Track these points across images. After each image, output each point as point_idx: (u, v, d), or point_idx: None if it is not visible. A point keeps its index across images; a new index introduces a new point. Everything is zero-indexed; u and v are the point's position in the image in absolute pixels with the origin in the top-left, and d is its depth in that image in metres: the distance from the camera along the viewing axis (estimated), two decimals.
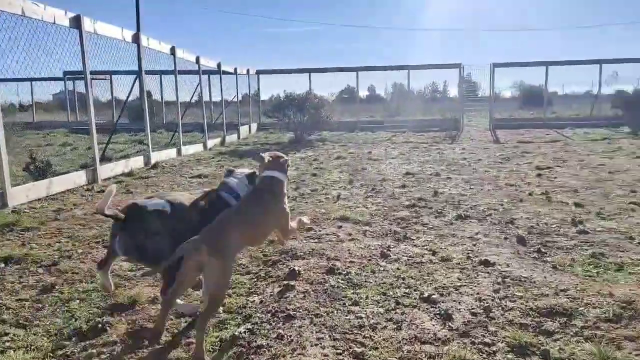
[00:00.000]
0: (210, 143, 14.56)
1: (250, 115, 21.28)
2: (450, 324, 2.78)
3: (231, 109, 19.50)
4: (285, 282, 3.47)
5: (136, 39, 10.42)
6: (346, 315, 2.93)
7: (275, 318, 2.95)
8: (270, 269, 3.83)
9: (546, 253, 4.02)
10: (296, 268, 3.70)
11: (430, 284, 3.41)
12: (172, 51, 12.56)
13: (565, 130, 17.63)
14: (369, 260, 3.95)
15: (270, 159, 3.13)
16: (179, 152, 12.22)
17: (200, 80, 15.17)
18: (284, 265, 3.85)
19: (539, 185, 7.07)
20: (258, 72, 22.78)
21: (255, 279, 3.64)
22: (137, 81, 11.11)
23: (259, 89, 23.61)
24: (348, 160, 10.60)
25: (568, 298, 3.01)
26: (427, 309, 3.00)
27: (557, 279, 3.40)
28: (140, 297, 3.28)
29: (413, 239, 4.55)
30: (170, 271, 2.66)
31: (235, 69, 19.08)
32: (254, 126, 21.30)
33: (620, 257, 3.86)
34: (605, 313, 2.77)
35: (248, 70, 21.24)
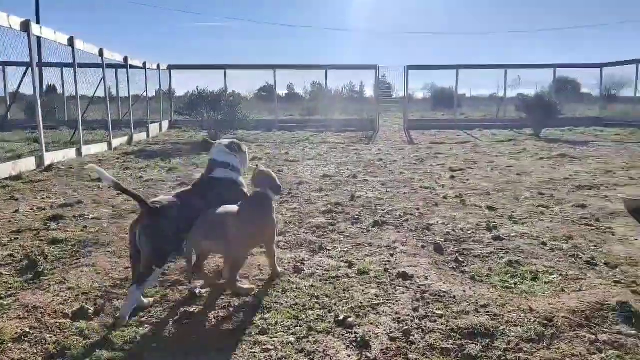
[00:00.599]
0: (116, 142, 13.52)
1: (161, 112, 20.20)
2: (367, 353, 2.50)
3: (141, 106, 18.40)
4: (184, 308, 3.03)
5: (26, 27, 9.32)
6: (251, 349, 2.56)
7: (168, 356, 2.51)
8: (168, 291, 3.37)
9: (464, 262, 3.89)
10: (197, 290, 3.27)
11: (347, 302, 3.12)
12: (71, 42, 11.47)
13: (474, 132, 18.39)
14: (281, 276, 3.60)
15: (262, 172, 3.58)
16: (79, 152, 11.15)
17: (104, 74, 14.04)
18: (184, 287, 3.40)
19: (453, 188, 7.11)
20: (170, 67, 21.67)
21: (149, 305, 3.16)
22: (29, 73, 10.00)
23: (170, 84, 22.50)
24: (264, 161, 10.20)
25: (489, 316, 2.84)
26: (342, 334, 2.70)
27: (476, 292, 3.24)
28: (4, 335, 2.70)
29: (329, 250, 4.27)
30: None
31: (144, 63, 17.98)
32: (166, 124, 20.23)
33: (535, 264, 3.81)
34: (527, 332, 2.62)
35: (159, 65, 20.13)
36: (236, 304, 3.11)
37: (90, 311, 2.96)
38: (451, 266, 3.82)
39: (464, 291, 3.26)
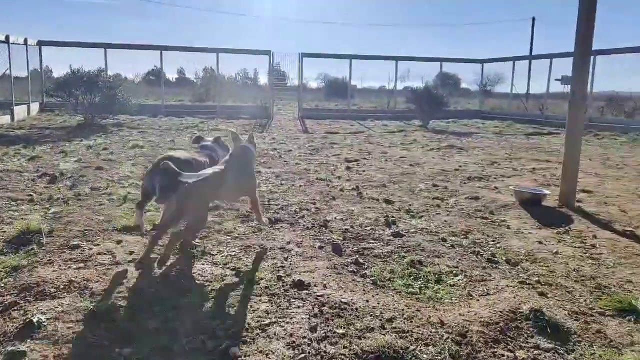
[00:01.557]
0: None
1: (29, 93, 17.88)
2: None
3: (6, 86, 16.09)
4: (12, 347, 2.30)
5: None
6: None
7: None
8: None
9: (364, 264, 3.53)
10: (37, 318, 2.53)
11: (231, 324, 2.59)
12: None
13: (366, 122, 18.57)
14: (153, 294, 2.97)
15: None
16: None
17: None
18: (20, 312, 2.64)
19: (349, 180, 6.82)
20: (40, 43, 19.21)
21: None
22: None
23: (41, 62, 19.98)
24: (146, 149, 9.22)
25: (397, 333, 2.46)
26: None
27: (380, 301, 2.87)
28: None
29: (213, 254, 3.69)
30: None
31: (7, 37, 15.68)
32: (35, 106, 17.93)
33: (437, 264, 3.56)
34: (440, 353, 2.28)
35: (26, 40, 17.73)
36: (93, 335, 2.43)
37: None
38: (351, 269, 3.44)
39: (367, 301, 2.88)
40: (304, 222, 4.61)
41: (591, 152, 10.72)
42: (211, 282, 3.16)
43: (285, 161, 8.39)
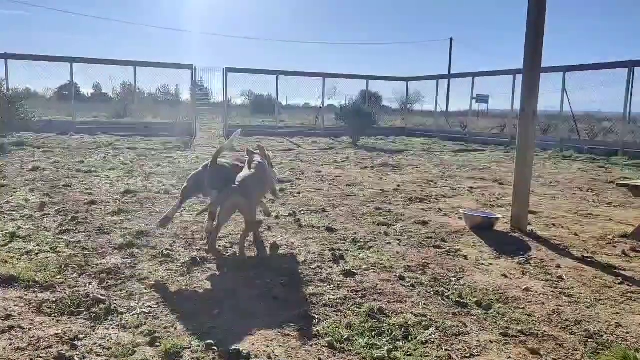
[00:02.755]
0: None
1: None
2: None
3: None
4: None
5: None
6: None
7: None
8: None
9: (315, 318, 2.88)
10: None
11: None
12: None
13: (295, 139, 18.05)
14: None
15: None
16: None
17: None
18: None
19: (284, 204, 6.16)
20: None
21: None
22: None
23: None
24: (48, 172, 8.03)
25: None
26: None
27: None
28: None
29: (122, 313, 2.88)
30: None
31: None
32: None
33: (401, 312, 2.98)
34: None
35: None
36: None
37: None
38: (300, 326, 2.77)
39: None
40: (238, 260, 3.89)
41: None
42: (117, 357, 2.37)
43: None
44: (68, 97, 19.92)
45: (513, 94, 17.75)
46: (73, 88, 19.62)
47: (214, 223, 4.05)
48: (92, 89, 34.58)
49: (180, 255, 3.97)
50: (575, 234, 5.08)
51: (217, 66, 21.06)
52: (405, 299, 3.21)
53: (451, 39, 42.05)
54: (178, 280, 3.42)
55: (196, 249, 4.14)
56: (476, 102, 27.16)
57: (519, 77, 17.60)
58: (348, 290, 3.31)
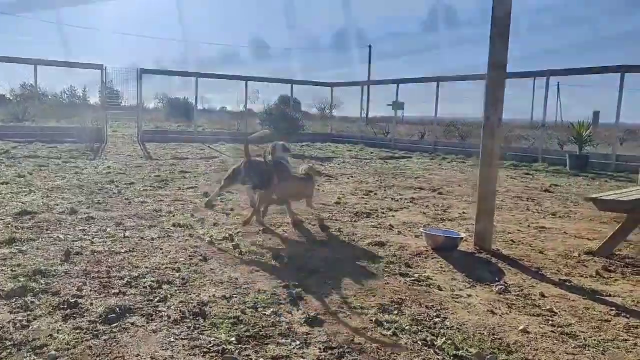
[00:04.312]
0: None
1: None
2: None
3: None
4: None
5: None
6: None
7: None
8: None
9: None
10: None
11: None
12: None
13: (217, 145, 17.03)
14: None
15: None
16: None
17: None
18: None
19: (216, 224, 5.32)
20: None
21: None
22: None
23: None
24: None
25: None
26: None
27: None
28: None
29: None
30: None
31: None
32: None
33: None
34: None
35: None
36: None
37: None
38: None
39: None
40: (168, 310, 3.02)
41: (458, 177, 10.66)
42: None
43: (127, 199, 6.53)
44: None
45: (437, 100, 17.93)
46: None
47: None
48: None
49: (92, 303, 3.04)
50: (540, 252, 4.72)
51: (130, 67, 19.50)
52: (392, 356, 2.55)
53: (370, 46, 42.64)
54: (90, 348, 2.51)
55: (114, 293, 3.22)
56: (392, 109, 27.54)
57: (443, 84, 17.86)
58: (319, 349, 2.59)
